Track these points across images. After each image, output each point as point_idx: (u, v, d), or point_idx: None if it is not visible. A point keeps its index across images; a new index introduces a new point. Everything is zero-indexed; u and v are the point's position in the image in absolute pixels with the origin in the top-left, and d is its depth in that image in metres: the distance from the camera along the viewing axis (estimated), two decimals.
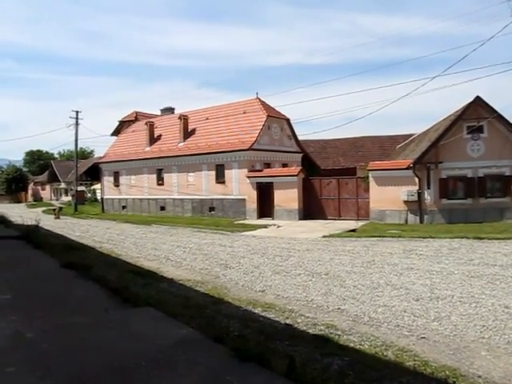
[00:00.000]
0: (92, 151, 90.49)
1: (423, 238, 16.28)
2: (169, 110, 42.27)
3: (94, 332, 4.82)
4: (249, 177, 28.17)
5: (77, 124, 44.05)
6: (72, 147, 47.85)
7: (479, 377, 5.03)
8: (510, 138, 21.33)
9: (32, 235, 13.55)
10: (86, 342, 4.46)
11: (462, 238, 15.63)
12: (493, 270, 10.49)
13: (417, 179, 21.99)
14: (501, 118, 21.12)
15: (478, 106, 21.51)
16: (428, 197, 22.02)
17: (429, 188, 22.04)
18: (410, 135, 33.43)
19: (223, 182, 29.88)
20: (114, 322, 5.26)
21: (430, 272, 10.56)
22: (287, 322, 7.00)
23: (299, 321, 7.09)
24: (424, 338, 6.35)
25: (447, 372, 5.06)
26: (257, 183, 27.84)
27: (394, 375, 4.70)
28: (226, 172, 29.73)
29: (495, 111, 21.06)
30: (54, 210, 36.73)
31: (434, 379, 4.84)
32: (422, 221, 21.94)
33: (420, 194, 21.93)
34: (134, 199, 37.20)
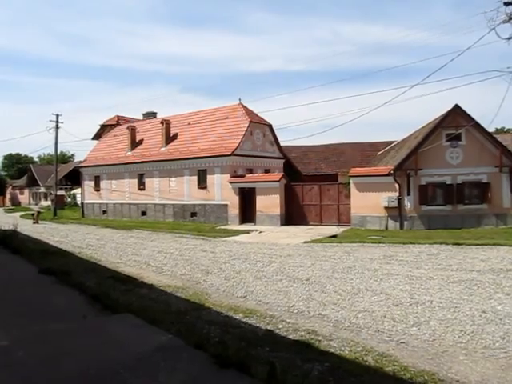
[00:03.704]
0: (72, 155, 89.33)
1: (403, 243, 16.45)
2: (151, 115, 42.02)
3: (72, 340, 4.75)
4: (231, 182, 28.14)
5: (57, 127, 43.49)
6: (52, 151, 47.15)
7: (457, 381, 5.09)
8: (486, 145, 21.79)
9: (9, 240, 13.34)
10: (63, 350, 4.39)
11: (441, 243, 15.84)
12: (471, 276, 10.65)
13: (397, 185, 22.26)
14: (478, 127, 21.55)
15: (457, 115, 21.93)
16: (408, 203, 22.31)
17: (409, 194, 22.33)
18: (391, 142, 33.86)
19: (205, 188, 29.78)
20: (93, 329, 5.19)
21: (409, 277, 10.68)
22: (268, 327, 6.99)
23: (280, 327, 7.09)
24: (403, 343, 6.41)
25: (426, 377, 5.11)
26: (239, 189, 27.82)
27: (373, 380, 4.73)
28: (208, 177, 29.65)
29: (473, 119, 21.48)
30: (33, 214, 36.07)
31: None
32: (402, 227, 22.20)
33: (400, 201, 22.20)
34: (114, 204, 36.79)
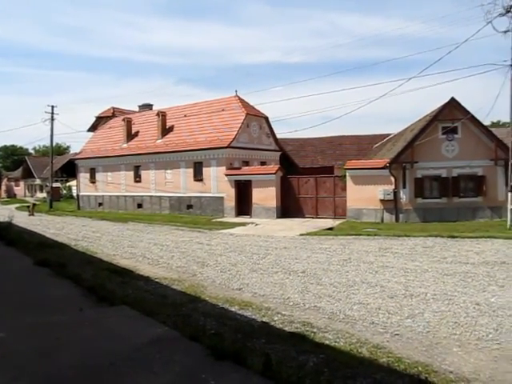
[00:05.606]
0: (68, 147, 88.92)
1: (398, 236, 16.52)
2: (147, 107, 41.79)
3: (69, 331, 4.76)
4: (227, 175, 28.11)
5: (52, 119, 43.16)
6: (47, 143, 46.93)
7: (451, 372, 5.14)
8: (482, 138, 21.85)
9: (4, 232, 13.31)
10: (59, 342, 4.40)
11: (436, 236, 15.92)
12: (465, 268, 10.73)
13: (393, 178, 22.31)
14: (474, 120, 21.59)
15: (453, 108, 21.94)
16: (403, 196, 22.37)
17: (404, 187, 22.39)
18: (387, 135, 33.87)
19: (201, 180, 29.74)
20: (89, 321, 5.20)
21: (404, 270, 10.74)
22: (264, 320, 7.03)
23: (276, 319, 7.13)
24: (398, 334, 6.46)
25: (420, 368, 5.16)
26: (235, 181, 27.81)
27: (368, 372, 4.77)
28: (205, 170, 29.59)
29: (469, 112, 21.51)
30: (28, 206, 35.95)
31: (407, 375, 4.93)
32: (397, 219, 22.28)
33: (396, 193, 22.26)
34: (110, 196, 36.70)
